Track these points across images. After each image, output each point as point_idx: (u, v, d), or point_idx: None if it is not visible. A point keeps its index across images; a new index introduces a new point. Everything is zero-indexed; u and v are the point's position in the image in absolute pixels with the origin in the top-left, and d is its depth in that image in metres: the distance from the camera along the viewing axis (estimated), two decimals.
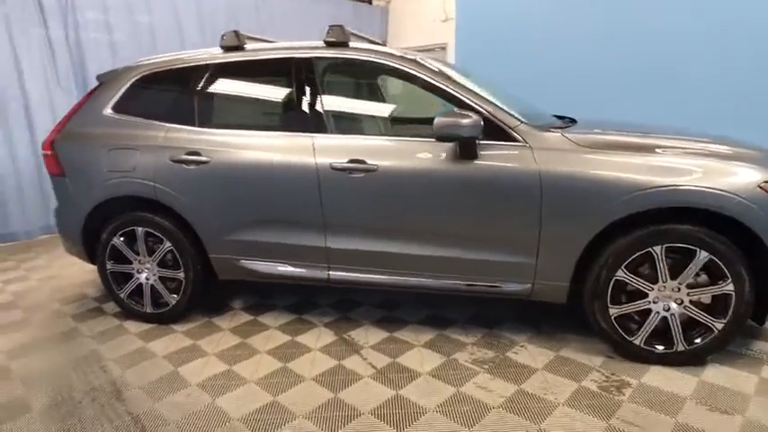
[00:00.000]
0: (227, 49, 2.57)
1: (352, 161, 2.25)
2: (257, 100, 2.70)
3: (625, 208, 1.96)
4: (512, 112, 2.18)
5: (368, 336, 2.49)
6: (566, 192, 2.03)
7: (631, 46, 4.20)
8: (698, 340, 2.05)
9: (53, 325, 2.72)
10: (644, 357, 2.12)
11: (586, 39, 4.43)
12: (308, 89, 2.40)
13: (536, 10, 4.67)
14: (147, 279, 2.64)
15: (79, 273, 3.53)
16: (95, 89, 2.76)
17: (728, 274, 1.94)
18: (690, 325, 2.06)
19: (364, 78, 3.06)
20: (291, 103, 2.45)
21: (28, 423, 1.87)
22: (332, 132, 2.37)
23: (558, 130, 2.17)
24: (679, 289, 2.03)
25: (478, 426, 1.78)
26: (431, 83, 2.25)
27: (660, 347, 2.09)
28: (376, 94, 3.15)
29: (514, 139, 2.12)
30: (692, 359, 2.09)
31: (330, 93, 2.52)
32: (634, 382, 2.01)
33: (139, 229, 2.57)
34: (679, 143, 2.10)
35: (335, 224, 2.33)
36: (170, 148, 2.48)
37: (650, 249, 1.99)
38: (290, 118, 2.48)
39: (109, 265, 2.67)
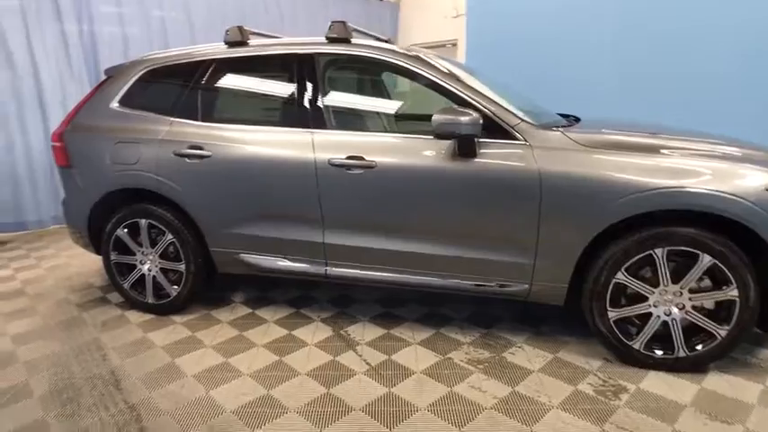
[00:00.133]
0: (230, 44, 2.58)
1: (350, 157, 2.24)
2: (259, 95, 2.70)
3: (624, 209, 1.92)
4: (513, 110, 2.15)
5: (364, 332, 2.49)
6: (565, 191, 1.99)
7: (643, 43, 4.10)
8: (699, 346, 2.00)
9: (59, 313, 2.79)
10: (643, 362, 2.08)
11: (597, 36, 4.34)
12: (308, 85, 2.40)
13: (547, 6, 4.59)
14: (150, 270, 2.68)
15: (86, 262, 3.60)
16: (103, 83, 2.81)
17: (732, 279, 1.89)
18: (692, 331, 2.01)
19: (366, 75, 3.04)
20: (292, 99, 2.45)
21: (28, 407, 1.92)
22: (332, 128, 2.36)
23: (560, 129, 2.13)
24: (681, 293, 1.98)
25: (469, 426, 1.77)
26: (431, 80, 2.23)
27: (660, 353, 2.05)
28: (379, 91, 3.14)
29: (515, 138, 2.09)
30: (694, 366, 2.04)
31: (331, 89, 2.51)
32: (632, 388, 1.97)
33: (143, 220, 2.61)
34: (686, 144, 2.05)
35: (333, 220, 2.33)
36: (173, 142, 2.50)
37: (652, 252, 1.94)
38: (290, 113, 2.48)
39: (113, 256, 2.72)
